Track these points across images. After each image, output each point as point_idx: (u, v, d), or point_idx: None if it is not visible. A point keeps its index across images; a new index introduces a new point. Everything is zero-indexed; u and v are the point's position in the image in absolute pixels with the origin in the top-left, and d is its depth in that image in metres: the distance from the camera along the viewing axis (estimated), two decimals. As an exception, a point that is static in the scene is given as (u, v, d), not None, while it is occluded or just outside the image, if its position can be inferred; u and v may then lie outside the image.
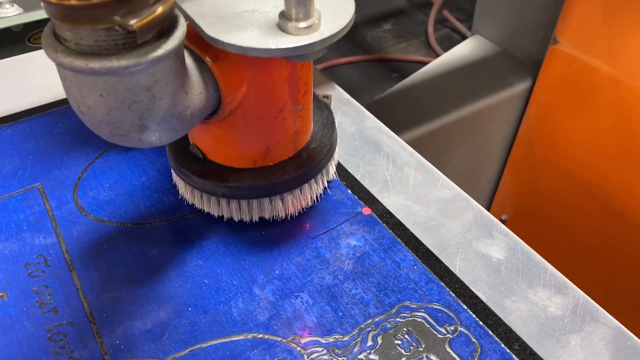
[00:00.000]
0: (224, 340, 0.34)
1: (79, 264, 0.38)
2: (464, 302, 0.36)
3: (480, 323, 0.35)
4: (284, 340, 0.34)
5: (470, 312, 0.36)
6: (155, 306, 0.36)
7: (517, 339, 0.35)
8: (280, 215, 0.40)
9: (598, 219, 0.78)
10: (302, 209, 0.41)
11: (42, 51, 0.60)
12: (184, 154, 0.39)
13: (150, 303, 0.36)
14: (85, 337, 0.34)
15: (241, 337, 0.35)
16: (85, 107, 0.29)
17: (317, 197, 0.42)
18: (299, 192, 0.40)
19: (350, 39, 1.38)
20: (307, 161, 0.39)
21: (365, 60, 1.30)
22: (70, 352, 0.34)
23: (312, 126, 0.42)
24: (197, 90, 0.32)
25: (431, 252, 0.40)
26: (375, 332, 0.35)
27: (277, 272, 0.38)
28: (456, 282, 0.38)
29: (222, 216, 0.40)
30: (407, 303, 0.36)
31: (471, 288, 0.38)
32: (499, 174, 0.92)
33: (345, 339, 0.34)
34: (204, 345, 0.34)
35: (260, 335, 0.35)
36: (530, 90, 0.83)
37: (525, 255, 0.42)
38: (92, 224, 0.41)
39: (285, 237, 0.40)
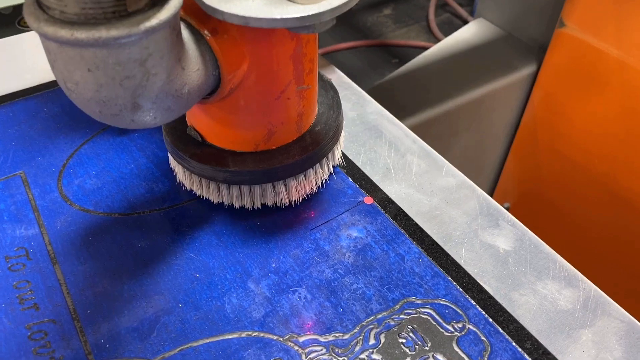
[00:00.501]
0: (216, 338, 0.32)
1: (62, 257, 0.36)
2: (473, 298, 0.34)
3: (490, 320, 0.33)
4: (281, 339, 0.32)
5: (479, 308, 0.33)
6: (143, 302, 0.33)
7: (529, 337, 0.32)
8: (283, 202, 0.38)
9: (603, 206, 0.75)
10: (307, 195, 0.39)
11: (31, 33, 0.56)
12: (182, 136, 0.37)
13: (137, 299, 0.34)
14: (67, 336, 0.32)
15: (235, 336, 0.32)
16: (73, 84, 0.26)
17: (322, 182, 0.39)
18: (303, 178, 0.38)
19: (350, 23, 1.35)
20: (312, 145, 0.37)
21: (365, 46, 1.27)
22: (51, 351, 0.31)
23: (317, 107, 0.39)
24: (194, 66, 0.29)
25: (437, 244, 0.37)
26: (378, 330, 0.32)
27: (274, 265, 0.35)
28: (464, 276, 0.35)
29: (222, 203, 0.38)
30: (412, 299, 0.34)
31: (479, 282, 0.35)
32: (502, 160, 0.90)
33: (346, 337, 0.32)
34: (194, 344, 0.32)
35: (255, 334, 0.32)
36: (535, 75, 0.80)
37: (533, 246, 0.39)
38: (77, 214, 0.38)
39: (283, 227, 0.38)
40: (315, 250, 0.36)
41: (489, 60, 0.82)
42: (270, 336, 0.32)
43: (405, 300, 0.34)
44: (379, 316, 0.33)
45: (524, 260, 0.38)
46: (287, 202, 0.38)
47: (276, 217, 0.38)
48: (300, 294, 0.34)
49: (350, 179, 0.41)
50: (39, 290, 0.34)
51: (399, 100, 0.77)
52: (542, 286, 0.37)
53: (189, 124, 0.38)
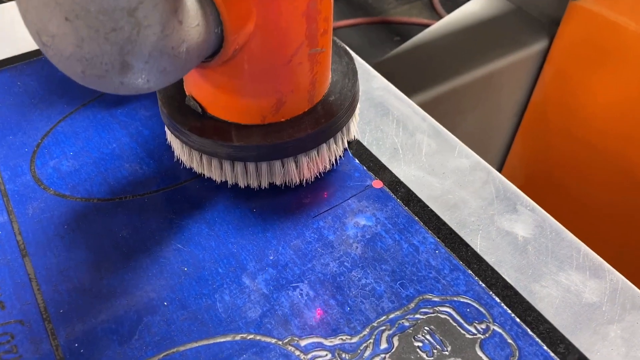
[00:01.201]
0: (206, 342, 0.28)
1: (33, 248, 0.31)
2: (497, 294, 0.30)
3: (517, 320, 0.29)
4: (280, 343, 0.28)
5: (505, 307, 0.29)
6: (123, 300, 0.29)
7: (562, 339, 0.28)
8: (293, 181, 0.34)
9: (617, 189, 0.71)
10: (319, 173, 0.35)
11: (6, 4, 0.51)
12: (180, 107, 0.33)
13: (117, 296, 0.29)
14: (37, 339, 0.28)
15: (227, 339, 0.28)
16: (48, 37, 0.22)
17: (336, 159, 0.35)
18: (316, 154, 0.34)
19: (350, 0, 1.29)
20: (326, 116, 0.33)
21: (366, 23, 1.22)
22: (18, 357, 0.27)
23: (331, 75, 0.35)
24: (193, 20, 0.25)
25: (455, 233, 0.33)
26: (391, 331, 0.28)
27: (271, 257, 0.31)
28: (486, 269, 0.31)
29: (225, 182, 0.34)
30: (428, 296, 0.29)
31: (504, 277, 0.31)
32: (510, 140, 0.86)
33: (354, 340, 0.28)
34: (182, 348, 0.27)
35: (251, 336, 0.28)
36: (547, 51, 0.76)
37: (554, 232, 0.35)
38: (52, 199, 0.34)
39: (282, 214, 0.33)
40: (319, 240, 0.32)
41: (498, 36, 0.78)
42: (268, 339, 0.28)
43: (421, 297, 0.29)
44: (392, 316, 0.28)
45: (544, 248, 0.34)
46: (298, 180, 0.34)
47: (274, 202, 0.34)
48: (301, 290, 0.30)
49: (357, 160, 0.37)
50: (5, 286, 0.30)
51: (402, 78, 0.73)
52: (565, 277, 0.33)
53: (187, 93, 0.33)
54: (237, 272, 0.30)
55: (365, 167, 0.36)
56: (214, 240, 0.32)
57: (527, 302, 0.30)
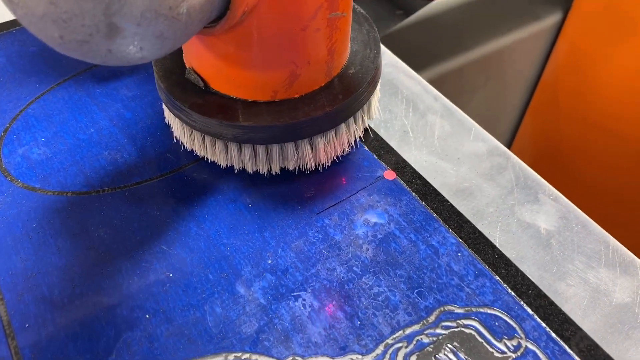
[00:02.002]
0: (194, 363, 0.23)
1: (-3, 250, 0.27)
2: (529, 304, 0.25)
3: (553, 335, 0.24)
4: (280, 363, 0.23)
5: (538, 319, 0.25)
6: (99, 312, 0.25)
7: (607, 357, 0.24)
8: (309, 166, 0.30)
9: (630, 172, 0.67)
10: (337, 157, 0.31)
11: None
12: (179, 81, 0.29)
13: (92, 308, 0.25)
14: (-2, 359, 0.23)
15: (219, 359, 0.23)
16: None
17: (355, 141, 0.31)
18: (334, 135, 0.29)
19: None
20: (345, 92, 0.29)
21: (367, -4, 1.15)
22: (-25, 381, 0.23)
23: (350, 45, 0.31)
24: None
25: (479, 232, 0.28)
26: (408, 349, 0.24)
27: (270, 261, 0.27)
28: (516, 275, 0.27)
29: (231, 167, 0.30)
30: (451, 307, 0.25)
31: (534, 280, 0.27)
32: (519, 119, 0.82)
33: (366, 360, 0.23)
34: (166, 370, 0.23)
35: (246, 356, 0.23)
36: (561, 25, 0.72)
37: (581, 225, 0.31)
38: (19, 193, 0.29)
39: (281, 210, 0.29)
40: (324, 240, 0.27)
41: (508, 9, 0.73)
42: (266, 359, 0.23)
43: (442, 309, 0.25)
44: (409, 331, 0.24)
45: (570, 242, 0.30)
46: (313, 165, 0.30)
47: (273, 195, 0.29)
48: (304, 300, 0.25)
49: (365, 147, 0.32)
50: (-37, 296, 0.25)
51: (406, 55, 0.68)
52: (594, 275, 0.29)
53: (187, 65, 0.29)
54: (230, 278, 0.26)
55: (375, 155, 0.31)
56: (203, 241, 0.27)
57: (564, 314, 0.26)
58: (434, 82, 0.67)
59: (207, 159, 0.30)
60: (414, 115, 0.36)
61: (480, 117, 0.78)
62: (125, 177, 0.30)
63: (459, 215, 0.29)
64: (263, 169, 0.30)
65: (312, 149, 0.29)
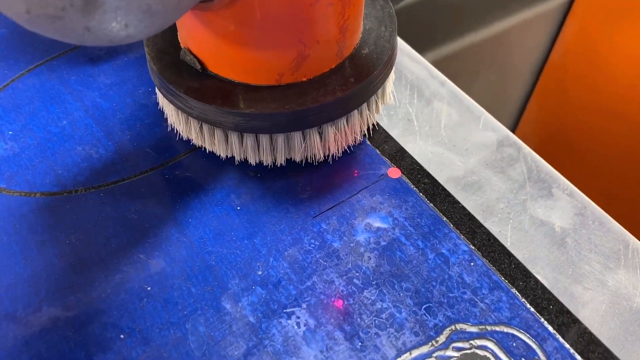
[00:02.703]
0: (173, 391, 0.20)
1: (-45, 259, 0.24)
2: (550, 322, 0.22)
3: (578, 358, 0.21)
4: (270, 391, 0.20)
5: (561, 339, 0.22)
6: (68, 331, 0.22)
7: (638, 384, 0.21)
8: (317, 157, 0.27)
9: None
10: (348, 147, 0.28)
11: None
12: (173, 63, 0.26)
13: (60, 326, 0.22)
14: (-48, 386, 0.20)
15: (202, 386, 0.21)
16: None
17: (368, 129, 0.29)
18: (345, 123, 0.26)
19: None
20: (358, 75, 0.26)
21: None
22: None
23: (363, 22, 0.28)
24: None
25: (495, 239, 0.25)
26: (415, 375, 0.21)
27: (260, 272, 0.23)
28: (535, 287, 0.24)
29: (231, 157, 0.27)
30: (463, 325, 0.22)
31: (558, 297, 0.24)
32: (524, 102, 0.78)
33: (368, 387, 0.21)
34: (142, 399, 0.20)
35: (233, 382, 0.21)
36: (570, 5, 0.68)
37: (598, 222, 0.29)
38: (-17, 193, 0.26)
39: (273, 213, 0.25)
40: (321, 248, 0.24)
41: (516, -13, 0.69)
42: (255, 386, 0.21)
43: (453, 327, 0.22)
44: (416, 353, 0.21)
45: (586, 241, 0.28)
46: (322, 156, 0.27)
47: (264, 196, 0.26)
48: (298, 318, 0.22)
49: (367, 141, 0.29)
50: None
51: (408, 36, 0.65)
52: (612, 277, 0.27)
53: (182, 44, 0.27)
54: (215, 292, 0.23)
55: (378, 151, 0.28)
56: (186, 249, 0.24)
57: (590, 333, 0.23)
58: (437, 64, 0.63)
59: (200, 149, 0.27)
60: (418, 102, 0.33)
61: (484, 101, 0.75)
62: (101, 175, 0.27)
63: (472, 218, 0.26)
64: (267, 160, 0.27)
65: (321, 138, 0.26)
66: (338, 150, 0.28)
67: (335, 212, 0.25)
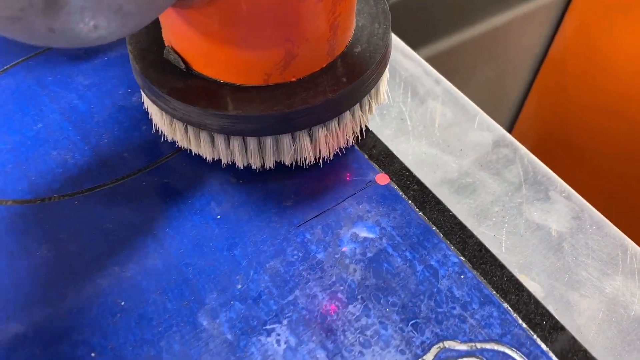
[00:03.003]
0: (146, 413, 0.19)
1: None
2: (543, 338, 0.21)
3: (573, 377, 0.20)
4: (248, 414, 0.19)
5: (555, 358, 0.21)
6: (35, 349, 0.21)
7: (635, 405, 0.20)
8: (307, 160, 0.26)
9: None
10: (341, 149, 0.27)
11: None
12: (157, 62, 0.25)
13: (28, 344, 0.21)
14: None
15: (176, 408, 0.19)
16: None
17: (360, 131, 0.27)
18: (336, 125, 0.25)
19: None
20: (350, 75, 0.25)
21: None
22: None
23: (355, 19, 0.27)
24: None
25: (486, 249, 0.24)
26: (401, 396, 0.20)
27: (239, 286, 0.22)
28: (528, 301, 0.22)
29: (214, 162, 0.26)
30: (452, 343, 0.21)
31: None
32: (522, 99, 0.77)
33: (351, 409, 0.19)
34: (112, 422, 0.19)
35: (208, 404, 0.20)
36: None
37: (596, 226, 0.28)
38: (-48, 201, 0.25)
39: (254, 221, 0.24)
40: (304, 260, 0.23)
41: (514, -20, 0.67)
42: (232, 408, 0.19)
43: (442, 345, 0.21)
44: (402, 373, 0.20)
45: (583, 246, 0.27)
46: (312, 159, 0.26)
47: (246, 204, 0.25)
48: (278, 335, 0.21)
49: (354, 145, 0.27)
50: None
51: (402, 31, 0.63)
52: (610, 284, 0.26)
53: (166, 42, 0.26)
54: (191, 307, 0.22)
55: (366, 156, 0.27)
56: (162, 261, 0.23)
57: (585, 351, 0.21)
58: (433, 60, 0.62)
59: (179, 155, 0.25)
60: (412, 101, 0.32)
61: (481, 98, 0.74)
62: (76, 182, 0.25)
63: (463, 227, 0.24)
64: (255, 163, 0.26)
65: (311, 140, 0.25)
66: (329, 153, 0.26)
67: (320, 221, 0.24)
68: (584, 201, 0.29)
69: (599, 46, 0.63)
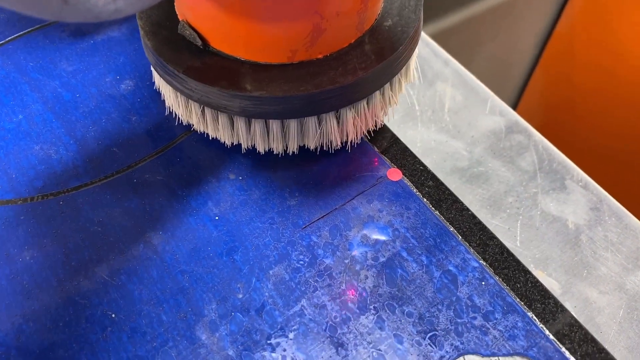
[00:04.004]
0: None
1: None
2: (572, 352, 0.19)
3: (606, 394, 0.19)
4: None
5: (586, 372, 0.19)
6: (18, 368, 0.19)
7: None
8: (334, 144, 0.24)
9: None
10: (368, 133, 0.25)
11: None
12: (170, 39, 0.23)
13: (10, 361, 0.19)
14: None
15: None
16: None
17: (389, 112, 0.26)
18: (365, 106, 0.23)
19: None
20: (381, 51, 0.23)
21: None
22: None
23: None
24: None
25: (507, 251, 0.22)
26: (419, 417, 0.18)
27: (241, 296, 0.20)
28: (555, 310, 0.20)
29: (237, 145, 0.24)
30: (473, 357, 0.19)
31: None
32: (527, 76, 0.75)
33: None
34: None
35: None
36: None
37: (615, 217, 0.27)
38: None
39: (256, 223, 0.22)
40: (310, 266, 0.21)
41: (522, -48, 0.65)
42: None
43: (463, 360, 0.19)
44: (420, 392, 0.18)
45: (602, 239, 0.25)
46: (339, 143, 0.24)
47: (247, 203, 0.23)
48: (284, 350, 0.19)
49: (363, 137, 0.25)
50: None
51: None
52: (631, 280, 0.24)
53: (180, 17, 0.24)
54: (188, 320, 0.20)
55: (376, 148, 0.24)
56: (155, 268, 0.21)
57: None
58: (438, 37, 0.60)
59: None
60: (420, 84, 0.30)
61: (486, 75, 0.71)
62: (61, 180, 0.23)
63: (483, 228, 0.22)
64: (277, 147, 0.23)
65: (338, 123, 0.23)
66: (357, 136, 0.24)
67: (328, 221, 0.22)
68: (603, 190, 0.27)
69: (607, 22, 0.60)
